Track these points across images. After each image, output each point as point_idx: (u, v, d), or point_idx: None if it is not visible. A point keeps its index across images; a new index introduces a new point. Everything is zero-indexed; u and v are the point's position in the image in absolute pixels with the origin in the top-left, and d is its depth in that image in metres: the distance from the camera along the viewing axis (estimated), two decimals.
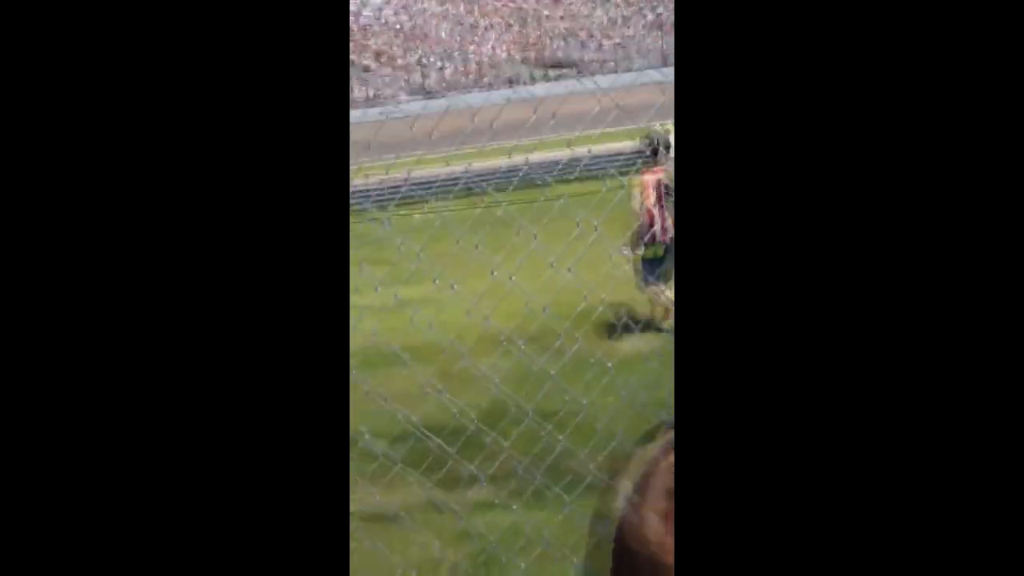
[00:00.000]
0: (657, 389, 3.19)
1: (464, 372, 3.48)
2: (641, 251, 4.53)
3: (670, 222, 4.45)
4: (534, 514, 2.78)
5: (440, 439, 2.88)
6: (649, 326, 4.51)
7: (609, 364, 2.83)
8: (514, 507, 2.51)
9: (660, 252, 4.50)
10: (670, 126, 4.61)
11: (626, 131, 4.92)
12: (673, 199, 4.37)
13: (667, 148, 4.62)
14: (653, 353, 3.90)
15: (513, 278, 3.31)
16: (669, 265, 4.41)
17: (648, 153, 4.68)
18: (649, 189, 4.56)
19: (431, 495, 2.86)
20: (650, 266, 4.53)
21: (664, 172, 4.55)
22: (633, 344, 4.09)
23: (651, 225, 4.50)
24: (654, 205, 4.54)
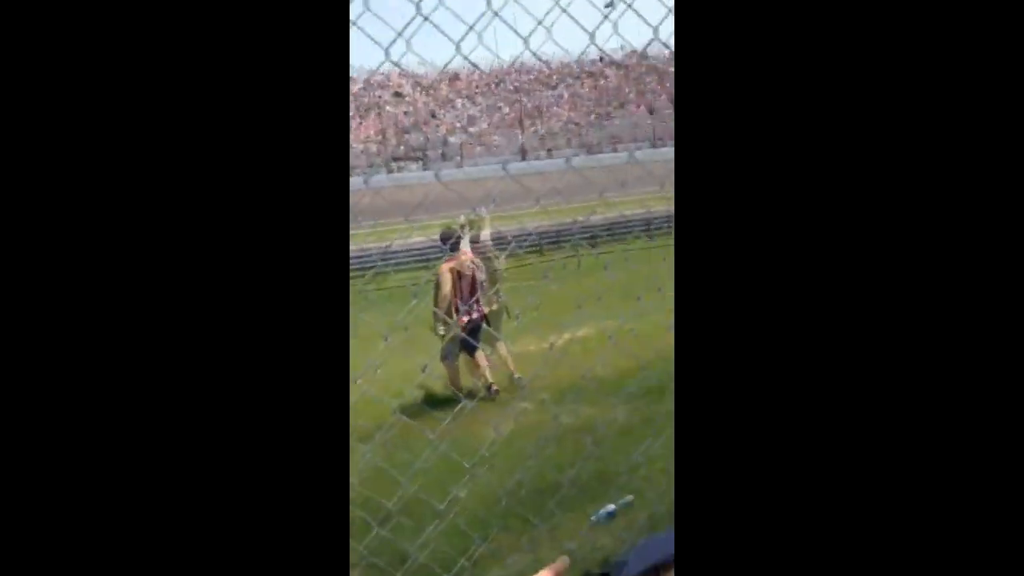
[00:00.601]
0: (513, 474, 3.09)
1: None
2: (443, 331, 5.07)
3: (472, 303, 5.05)
4: None
5: None
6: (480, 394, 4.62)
7: (437, 443, 2.73)
8: None
9: (461, 332, 4.94)
10: (466, 218, 5.44)
11: (487, 218, 5.20)
12: (484, 281, 5.14)
13: (473, 240, 5.29)
14: (522, 432, 3.88)
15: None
16: (488, 330, 5.07)
17: (445, 245, 5.17)
18: (447, 276, 5.06)
19: None
20: (463, 341, 4.97)
21: (460, 261, 5.10)
22: (498, 427, 4.05)
23: (453, 307, 4.99)
24: (453, 291, 5.03)
